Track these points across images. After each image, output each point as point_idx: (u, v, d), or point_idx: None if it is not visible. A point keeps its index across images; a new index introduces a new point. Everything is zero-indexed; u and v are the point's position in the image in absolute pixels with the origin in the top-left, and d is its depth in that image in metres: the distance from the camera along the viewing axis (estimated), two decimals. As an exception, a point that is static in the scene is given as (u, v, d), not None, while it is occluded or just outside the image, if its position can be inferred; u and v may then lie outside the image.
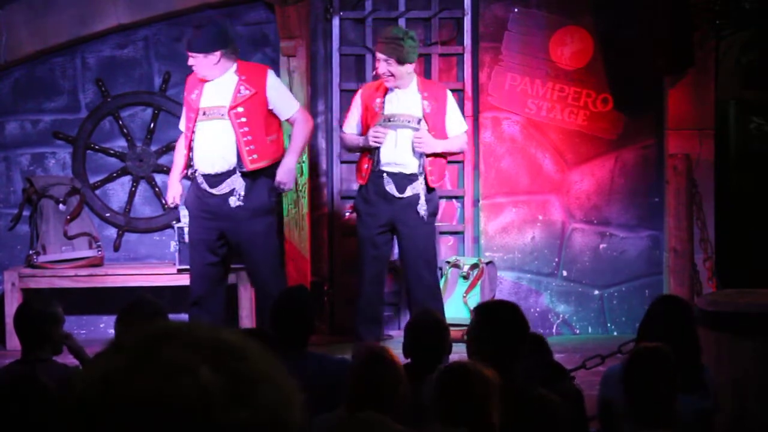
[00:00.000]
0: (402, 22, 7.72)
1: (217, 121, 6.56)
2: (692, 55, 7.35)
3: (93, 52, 7.80)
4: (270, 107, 6.64)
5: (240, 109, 6.55)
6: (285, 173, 6.62)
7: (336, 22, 7.83)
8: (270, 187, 6.68)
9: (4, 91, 7.78)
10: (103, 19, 7.68)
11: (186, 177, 6.83)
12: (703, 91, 7.60)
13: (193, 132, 6.60)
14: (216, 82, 6.59)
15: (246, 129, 6.53)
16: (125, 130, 7.83)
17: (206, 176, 6.58)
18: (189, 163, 6.65)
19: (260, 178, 6.61)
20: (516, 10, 7.77)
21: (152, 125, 7.83)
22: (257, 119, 6.58)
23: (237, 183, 6.56)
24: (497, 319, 4.00)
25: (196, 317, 6.61)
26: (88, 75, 7.80)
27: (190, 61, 6.56)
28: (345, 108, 7.57)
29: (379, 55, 6.65)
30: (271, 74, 6.74)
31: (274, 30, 7.62)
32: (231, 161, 6.55)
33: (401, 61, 6.60)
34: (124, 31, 7.77)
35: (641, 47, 7.64)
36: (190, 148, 6.62)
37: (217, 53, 6.54)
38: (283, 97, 6.75)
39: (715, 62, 7.58)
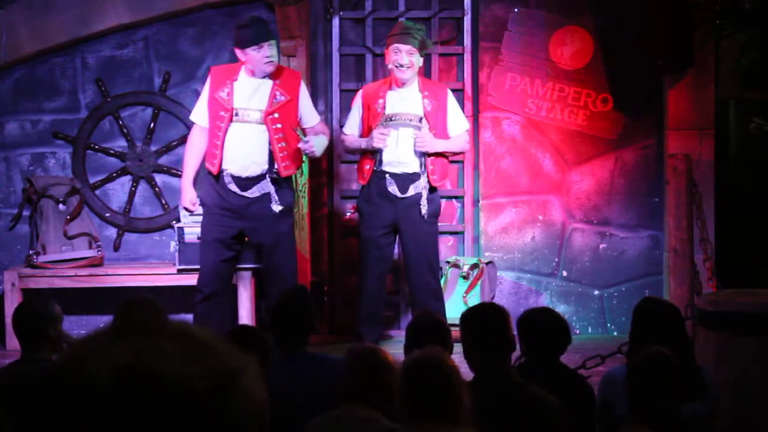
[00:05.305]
0: (402, 22, 7.73)
1: (252, 124, 6.47)
2: (692, 55, 7.34)
3: (93, 52, 7.79)
4: (298, 114, 6.62)
5: (276, 115, 6.48)
6: (320, 146, 6.55)
7: (336, 22, 7.83)
8: (293, 187, 6.68)
9: (4, 91, 7.78)
10: (103, 19, 7.68)
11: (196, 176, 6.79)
12: (703, 91, 7.60)
13: (224, 132, 6.47)
14: (249, 82, 6.51)
15: (281, 135, 6.47)
16: (125, 130, 7.82)
17: (236, 178, 6.49)
18: (213, 162, 6.50)
19: (286, 179, 6.60)
20: (516, 10, 7.77)
21: (152, 125, 7.82)
22: (290, 126, 6.53)
23: (269, 187, 6.49)
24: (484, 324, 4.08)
25: (205, 314, 6.55)
26: (88, 75, 7.80)
27: (268, 51, 6.38)
28: (345, 108, 7.58)
29: (402, 47, 6.64)
30: (302, 81, 6.72)
31: (274, 30, 7.62)
32: (263, 166, 6.47)
33: (423, 48, 6.69)
34: (124, 31, 7.77)
35: (641, 47, 7.63)
36: (218, 148, 6.46)
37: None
38: (310, 105, 6.73)
39: (715, 62, 7.58)
